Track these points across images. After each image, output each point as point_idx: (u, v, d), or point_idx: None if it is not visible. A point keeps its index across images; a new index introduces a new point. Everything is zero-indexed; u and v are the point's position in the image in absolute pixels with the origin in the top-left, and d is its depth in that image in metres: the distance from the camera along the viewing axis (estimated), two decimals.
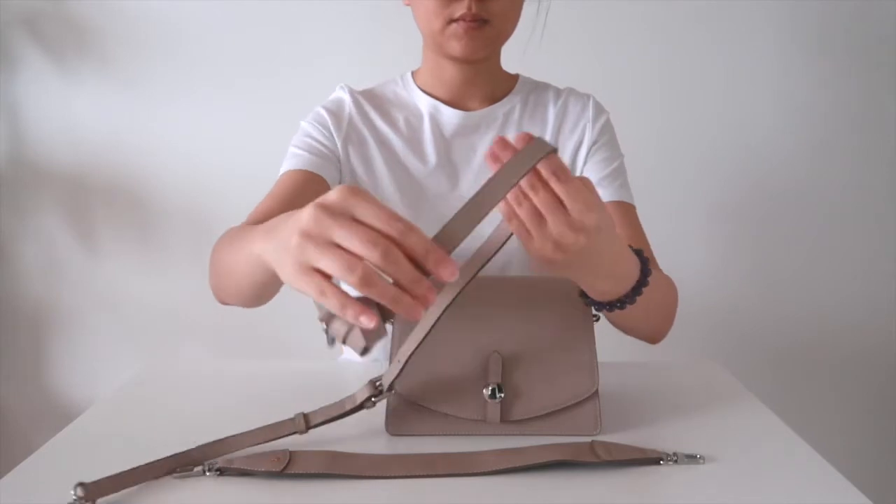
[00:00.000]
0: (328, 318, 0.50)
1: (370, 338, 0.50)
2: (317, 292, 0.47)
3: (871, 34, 1.51)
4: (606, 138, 0.96)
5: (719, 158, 1.55)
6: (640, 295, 0.65)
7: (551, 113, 0.96)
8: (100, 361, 1.61)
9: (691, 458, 0.60)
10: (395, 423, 0.65)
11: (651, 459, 0.60)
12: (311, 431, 0.64)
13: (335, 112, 0.95)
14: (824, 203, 1.57)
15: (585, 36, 1.49)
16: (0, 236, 1.56)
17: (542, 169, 0.54)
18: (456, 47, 0.86)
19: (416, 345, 0.61)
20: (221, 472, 0.58)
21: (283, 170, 0.91)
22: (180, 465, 0.58)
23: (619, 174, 0.94)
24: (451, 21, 0.84)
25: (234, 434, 0.61)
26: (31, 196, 1.55)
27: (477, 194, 0.52)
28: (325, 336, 0.51)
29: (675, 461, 0.60)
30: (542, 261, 0.58)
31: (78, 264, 1.57)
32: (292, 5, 1.48)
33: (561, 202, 0.54)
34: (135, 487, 0.56)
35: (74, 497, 0.52)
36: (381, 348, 0.95)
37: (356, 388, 0.86)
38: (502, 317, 0.69)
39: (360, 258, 0.46)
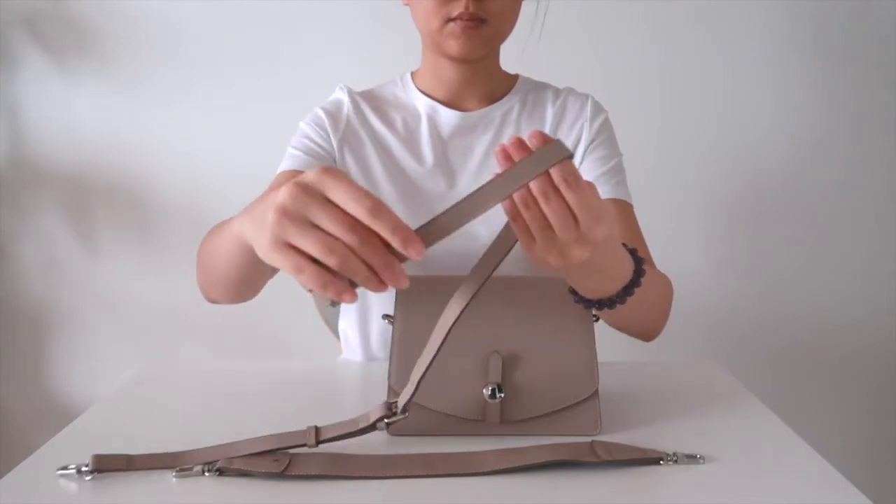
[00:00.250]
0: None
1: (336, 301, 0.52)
2: (294, 269, 0.49)
3: (870, 34, 1.51)
4: (604, 137, 0.96)
5: (719, 158, 1.55)
6: (631, 295, 0.65)
7: (549, 112, 0.96)
8: (100, 361, 1.61)
9: (691, 458, 0.60)
10: (395, 424, 0.65)
11: (651, 459, 0.60)
12: None
13: (333, 113, 0.95)
14: (824, 203, 1.57)
15: (585, 36, 1.49)
16: (0, 236, 1.56)
17: (555, 174, 0.52)
18: (453, 46, 0.86)
19: (426, 366, 0.60)
20: (221, 472, 0.58)
21: (279, 170, 0.92)
22: (182, 463, 0.58)
23: (616, 172, 0.94)
24: (449, 20, 0.85)
25: (241, 440, 0.61)
26: (31, 196, 1.55)
27: (480, 189, 0.51)
28: (318, 303, 0.52)
29: (675, 461, 0.60)
30: (541, 265, 0.58)
31: (78, 264, 1.57)
32: (292, 5, 1.48)
33: (571, 212, 0.53)
34: (135, 486, 0.56)
35: (81, 468, 0.57)
36: (381, 347, 0.95)
37: (356, 387, 0.87)
38: (502, 317, 0.69)
39: (338, 240, 0.48)
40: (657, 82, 1.52)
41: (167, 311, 1.57)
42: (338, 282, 0.49)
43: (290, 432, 0.61)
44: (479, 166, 0.93)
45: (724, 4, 1.49)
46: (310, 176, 0.49)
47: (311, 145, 0.93)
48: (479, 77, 0.94)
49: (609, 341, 0.78)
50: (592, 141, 0.95)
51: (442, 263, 0.87)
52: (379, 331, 0.94)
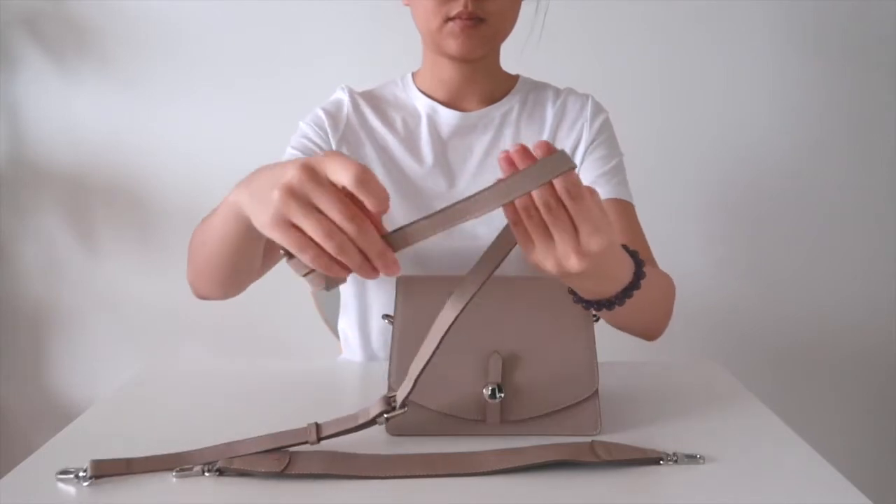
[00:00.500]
0: (287, 256, 0.54)
1: (331, 283, 0.54)
2: (297, 247, 0.51)
3: (870, 34, 1.51)
4: (604, 137, 0.96)
5: (719, 158, 1.55)
6: (630, 297, 0.65)
7: (549, 112, 0.96)
8: (100, 361, 1.61)
9: (691, 458, 0.60)
10: (395, 424, 0.65)
11: (651, 459, 0.60)
12: None
13: (333, 113, 0.95)
14: (824, 203, 1.57)
15: (585, 36, 1.49)
16: (0, 236, 1.56)
17: (558, 185, 0.52)
18: (453, 45, 0.86)
19: (425, 361, 0.60)
20: (221, 472, 0.58)
21: None
22: (183, 463, 0.58)
23: (616, 172, 0.94)
24: (448, 19, 0.85)
25: (242, 439, 0.61)
26: (31, 196, 1.55)
27: (482, 192, 0.51)
28: (308, 284, 0.55)
29: (675, 461, 0.60)
30: (539, 270, 0.58)
31: (78, 264, 1.57)
32: (292, 5, 1.48)
33: (573, 224, 0.54)
34: (135, 486, 0.56)
35: (79, 474, 0.56)
36: (381, 347, 0.95)
37: (355, 387, 0.87)
38: (502, 317, 0.69)
39: (337, 226, 0.50)
40: (657, 82, 1.52)
41: (167, 311, 1.57)
42: (338, 264, 0.51)
43: (291, 430, 0.62)
44: (478, 166, 0.93)
45: (724, 4, 1.49)
46: (319, 160, 0.51)
47: (310, 145, 0.93)
48: (479, 77, 0.94)
49: (609, 341, 0.78)
50: (593, 141, 0.95)
51: (442, 263, 0.87)
52: (379, 331, 0.94)
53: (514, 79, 0.99)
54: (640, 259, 0.65)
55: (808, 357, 1.63)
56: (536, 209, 0.54)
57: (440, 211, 0.52)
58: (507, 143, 0.94)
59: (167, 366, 0.90)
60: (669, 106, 1.53)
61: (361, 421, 0.62)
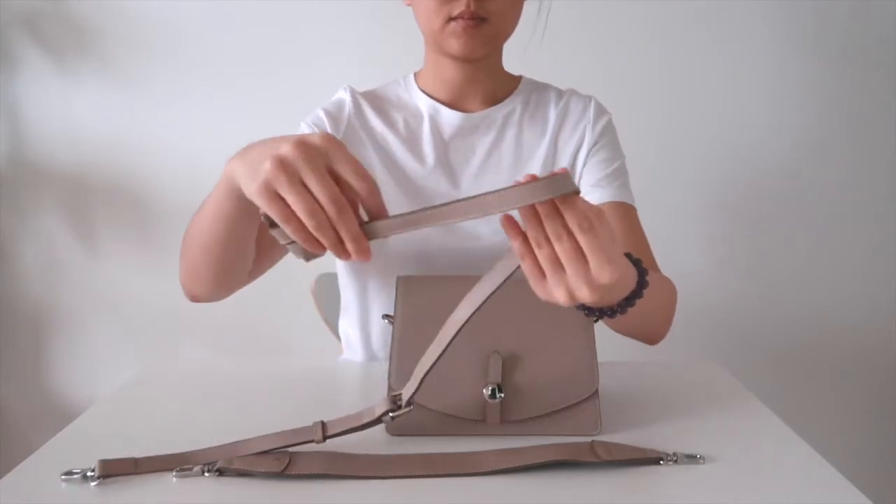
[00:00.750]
0: (271, 224, 0.56)
1: (309, 255, 0.57)
2: (282, 218, 0.54)
3: (870, 34, 1.51)
4: (607, 139, 0.96)
5: (719, 158, 1.55)
6: (633, 306, 0.64)
7: (552, 114, 0.96)
8: (100, 361, 1.61)
9: (691, 458, 0.60)
10: (395, 424, 0.65)
11: (651, 459, 0.60)
12: None
13: (333, 114, 0.95)
14: (824, 203, 1.57)
15: (585, 36, 1.49)
16: (0, 236, 1.56)
17: (569, 218, 0.52)
18: (455, 45, 0.86)
19: (431, 364, 0.60)
20: (221, 472, 0.58)
21: None
22: (188, 462, 0.58)
23: (619, 175, 0.94)
24: (450, 19, 0.85)
25: (247, 438, 0.61)
26: (31, 196, 1.55)
27: (483, 194, 0.51)
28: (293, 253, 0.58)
29: (675, 461, 0.60)
30: (549, 301, 0.57)
31: (78, 264, 1.57)
32: (292, 5, 1.48)
33: (583, 254, 0.53)
34: (136, 486, 0.56)
35: (87, 474, 0.57)
36: (381, 347, 0.95)
37: (356, 387, 0.87)
38: (502, 317, 0.69)
39: (320, 206, 0.53)
40: (657, 82, 1.52)
41: (167, 311, 1.57)
42: (313, 241, 0.54)
43: (296, 429, 0.62)
44: (480, 167, 0.93)
45: (724, 4, 1.49)
46: (315, 139, 0.54)
47: None
48: (482, 77, 0.94)
49: (609, 341, 0.78)
50: (595, 143, 0.95)
51: (442, 263, 0.87)
52: (379, 331, 0.94)
53: (516, 79, 0.99)
54: (642, 267, 0.65)
55: (808, 357, 1.63)
56: (548, 241, 0.53)
57: (420, 210, 0.54)
58: (509, 144, 0.94)
59: (167, 366, 0.90)
60: (669, 106, 1.53)
61: (367, 420, 0.62)
